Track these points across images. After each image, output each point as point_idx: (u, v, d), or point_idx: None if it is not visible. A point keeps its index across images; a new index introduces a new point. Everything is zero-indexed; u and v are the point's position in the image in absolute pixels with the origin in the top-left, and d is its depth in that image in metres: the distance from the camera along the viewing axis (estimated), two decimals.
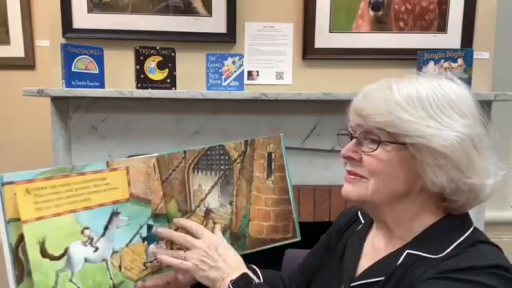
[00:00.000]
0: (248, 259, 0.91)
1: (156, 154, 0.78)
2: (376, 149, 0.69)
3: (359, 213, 0.87)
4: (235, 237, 0.81)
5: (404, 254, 0.69)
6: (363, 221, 0.84)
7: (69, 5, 1.68)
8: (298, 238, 0.82)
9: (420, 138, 0.65)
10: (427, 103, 0.67)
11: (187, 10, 1.74)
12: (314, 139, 1.79)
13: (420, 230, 0.71)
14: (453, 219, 0.71)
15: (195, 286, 0.79)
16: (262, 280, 0.88)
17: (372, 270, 0.73)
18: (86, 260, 0.71)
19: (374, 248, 0.78)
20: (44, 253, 0.67)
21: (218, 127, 1.74)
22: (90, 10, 1.70)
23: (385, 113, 0.67)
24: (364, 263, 0.77)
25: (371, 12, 1.80)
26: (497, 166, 0.71)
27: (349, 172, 0.74)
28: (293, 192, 0.82)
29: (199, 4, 1.74)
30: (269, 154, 0.82)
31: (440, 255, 0.66)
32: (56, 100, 1.68)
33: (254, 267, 0.92)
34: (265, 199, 0.81)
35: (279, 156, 0.82)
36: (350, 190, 0.73)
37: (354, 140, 0.72)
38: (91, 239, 0.72)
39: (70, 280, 0.69)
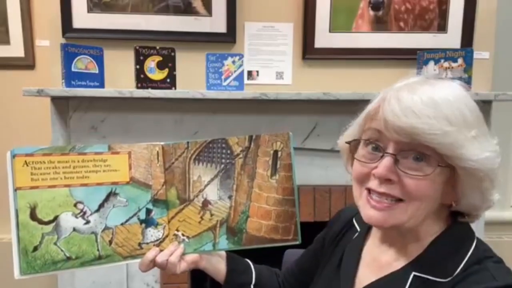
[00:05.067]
0: (245, 255, 0.91)
1: (162, 143, 0.80)
2: (431, 173, 0.62)
3: (354, 220, 0.84)
4: (232, 232, 0.79)
5: (411, 277, 0.66)
6: (359, 229, 0.82)
7: (69, 5, 1.68)
8: (299, 242, 0.79)
9: (473, 162, 0.61)
10: (472, 121, 0.63)
11: (187, 10, 1.74)
12: (314, 139, 1.79)
13: (426, 240, 0.68)
14: (458, 229, 0.69)
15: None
16: (255, 278, 0.89)
17: None
18: (74, 229, 0.74)
19: (376, 259, 0.75)
20: (33, 216, 0.72)
21: (218, 127, 1.74)
22: (90, 10, 1.70)
23: (440, 134, 0.60)
24: (363, 274, 0.75)
25: (371, 12, 1.80)
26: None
27: (382, 195, 0.65)
28: (298, 194, 0.80)
29: (199, 4, 1.74)
30: (275, 152, 0.79)
31: (449, 278, 0.63)
32: (56, 100, 1.68)
33: (249, 262, 0.92)
34: (267, 198, 0.79)
35: (286, 155, 0.79)
36: (386, 217, 0.65)
37: (391, 159, 0.64)
38: (83, 213, 0.75)
39: (55, 244, 0.73)
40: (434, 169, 0.62)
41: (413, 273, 0.66)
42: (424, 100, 0.62)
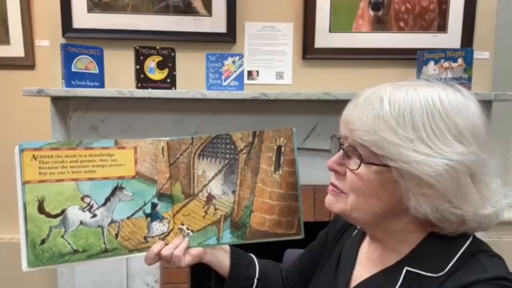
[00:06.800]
0: (247, 250, 0.92)
1: (166, 139, 0.81)
2: (358, 168, 0.65)
3: None
4: (236, 226, 0.80)
5: (404, 272, 0.66)
6: (358, 226, 0.82)
7: (69, 5, 1.68)
8: (302, 236, 0.80)
9: (404, 164, 0.60)
10: (420, 123, 0.61)
11: (187, 10, 1.74)
12: (314, 139, 1.79)
13: (415, 242, 0.67)
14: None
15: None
16: (258, 272, 0.89)
17: (368, 286, 0.71)
18: (81, 223, 0.75)
19: (368, 257, 0.75)
20: (41, 210, 0.73)
21: (218, 127, 1.74)
22: (90, 10, 1.70)
23: (371, 131, 0.62)
24: (359, 272, 0.75)
25: (371, 12, 1.80)
26: (500, 193, 0.65)
27: (332, 185, 0.71)
28: (300, 189, 0.81)
29: (199, 4, 1.74)
30: (279, 147, 0.79)
31: (442, 273, 0.63)
32: (56, 100, 1.68)
33: (253, 256, 0.93)
34: (270, 193, 0.80)
35: (289, 150, 0.79)
36: (332, 202, 0.71)
37: (341, 152, 0.69)
38: (90, 206, 0.76)
39: (62, 237, 0.74)
40: (359, 164, 0.65)
41: (406, 268, 0.66)
42: (367, 97, 0.65)
